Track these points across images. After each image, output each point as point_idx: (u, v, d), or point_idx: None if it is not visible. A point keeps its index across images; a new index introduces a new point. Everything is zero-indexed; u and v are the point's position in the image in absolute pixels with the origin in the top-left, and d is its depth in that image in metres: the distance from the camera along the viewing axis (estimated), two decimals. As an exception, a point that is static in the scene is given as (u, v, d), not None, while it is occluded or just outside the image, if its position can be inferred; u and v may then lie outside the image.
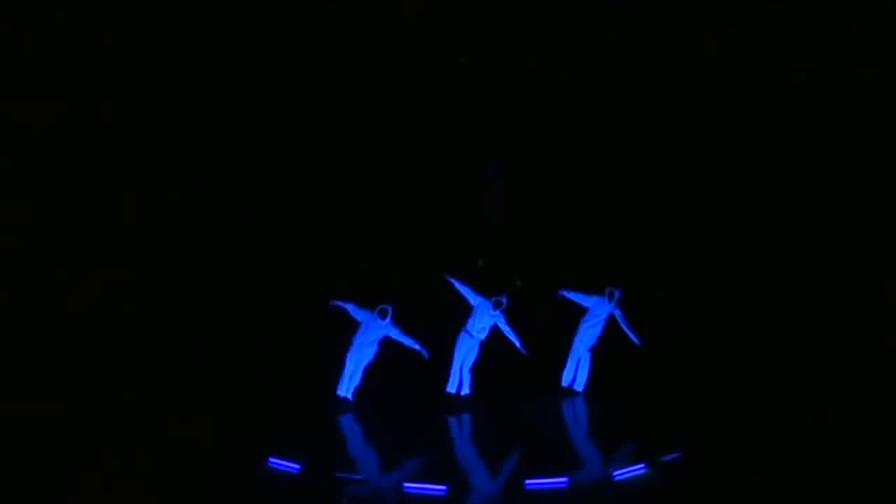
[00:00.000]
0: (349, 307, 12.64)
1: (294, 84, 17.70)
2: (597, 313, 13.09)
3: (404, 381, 13.28)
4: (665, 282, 16.73)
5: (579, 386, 13.25)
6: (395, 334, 12.45)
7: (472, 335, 12.71)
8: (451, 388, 12.85)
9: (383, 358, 12.53)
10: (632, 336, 12.98)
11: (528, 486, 10.23)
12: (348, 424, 12.50)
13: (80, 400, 12.50)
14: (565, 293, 13.15)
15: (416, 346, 12.43)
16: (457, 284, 12.84)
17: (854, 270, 16.08)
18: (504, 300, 12.61)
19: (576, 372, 13.26)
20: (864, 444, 11.16)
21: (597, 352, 13.16)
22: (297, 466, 10.66)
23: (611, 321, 13.08)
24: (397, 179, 18.24)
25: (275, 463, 10.73)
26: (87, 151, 16.67)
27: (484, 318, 12.64)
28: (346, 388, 12.66)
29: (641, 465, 10.64)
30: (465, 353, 12.77)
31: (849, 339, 14.58)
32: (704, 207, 17.33)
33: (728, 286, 16.48)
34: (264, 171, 17.76)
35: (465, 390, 12.87)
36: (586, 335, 13.15)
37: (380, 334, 12.49)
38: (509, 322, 12.64)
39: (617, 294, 13.01)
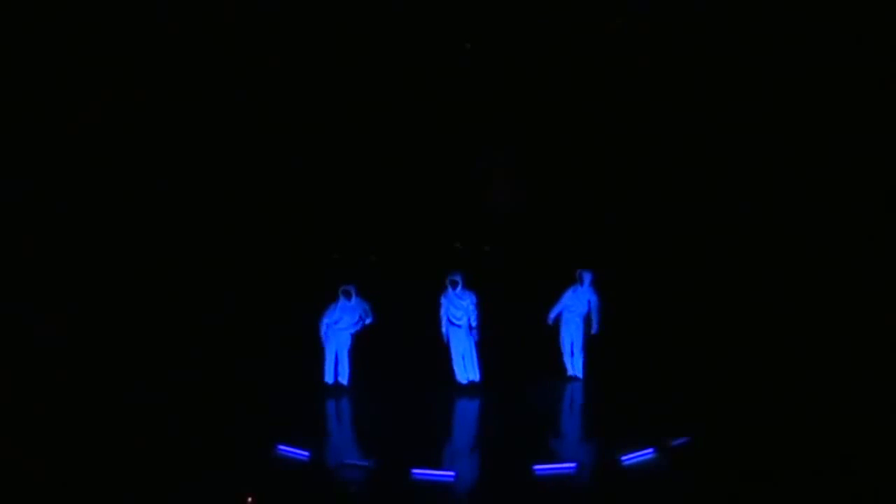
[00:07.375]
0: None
1: (290, 76, 17.61)
2: (573, 304, 13.02)
3: (410, 367, 13.34)
4: (665, 266, 16.74)
5: (578, 373, 13.23)
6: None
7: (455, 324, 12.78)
8: (461, 377, 12.91)
9: (386, 344, 12.54)
10: (595, 322, 12.96)
11: (536, 472, 10.28)
12: (355, 412, 12.53)
13: (81, 394, 12.49)
14: (550, 317, 13.11)
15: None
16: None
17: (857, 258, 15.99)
18: (457, 277, 12.67)
19: (572, 361, 13.23)
20: (873, 428, 11.19)
21: (596, 337, 13.15)
22: (305, 454, 10.70)
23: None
24: (397, 170, 18.22)
25: (284, 450, 10.77)
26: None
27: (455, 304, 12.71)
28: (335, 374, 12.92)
29: (650, 450, 10.67)
30: (458, 343, 12.83)
31: (854, 323, 14.53)
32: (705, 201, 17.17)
33: (733, 272, 16.42)
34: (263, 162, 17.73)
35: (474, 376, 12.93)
36: (571, 325, 13.07)
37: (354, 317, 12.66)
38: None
39: (587, 277, 12.90)
